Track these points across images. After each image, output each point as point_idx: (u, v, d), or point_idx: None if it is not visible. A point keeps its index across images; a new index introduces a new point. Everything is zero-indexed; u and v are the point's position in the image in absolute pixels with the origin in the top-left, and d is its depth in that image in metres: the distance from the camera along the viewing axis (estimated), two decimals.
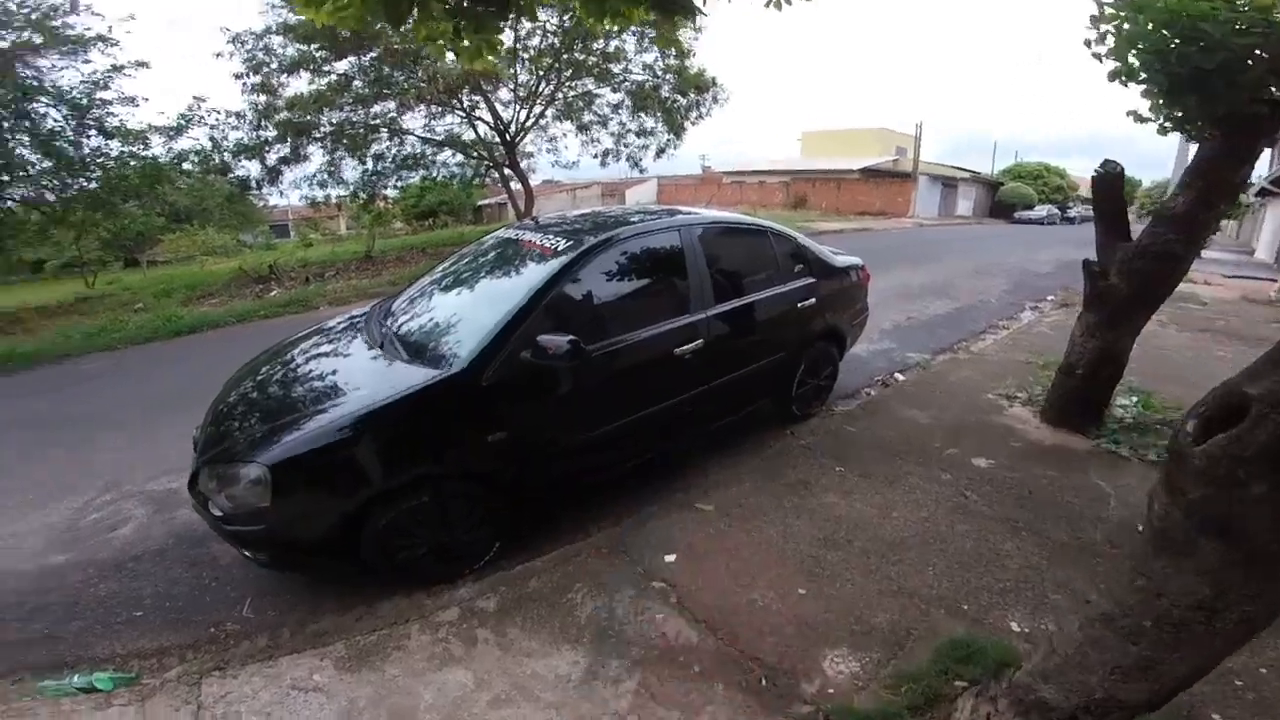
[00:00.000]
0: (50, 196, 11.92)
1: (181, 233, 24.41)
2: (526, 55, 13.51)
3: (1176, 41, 2.59)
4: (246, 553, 2.41)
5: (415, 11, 1.96)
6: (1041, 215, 34.76)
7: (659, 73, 15.10)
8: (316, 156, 14.28)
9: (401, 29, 2.10)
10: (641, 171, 19.28)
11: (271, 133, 13.25)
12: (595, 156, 16.96)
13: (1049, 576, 2.63)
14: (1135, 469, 3.54)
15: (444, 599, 2.50)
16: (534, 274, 2.84)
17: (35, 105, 11.10)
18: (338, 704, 1.96)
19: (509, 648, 2.21)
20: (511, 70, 13.57)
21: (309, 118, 13.06)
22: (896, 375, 5.24)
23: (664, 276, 3.21)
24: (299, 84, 13.04)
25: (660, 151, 16.99)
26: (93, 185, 11.93)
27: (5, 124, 10.89)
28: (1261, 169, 18.53)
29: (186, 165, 13.63)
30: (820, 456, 3.63)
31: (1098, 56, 2.88)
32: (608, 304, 2.98)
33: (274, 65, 12.57)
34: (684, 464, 3.60)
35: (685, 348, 3.10)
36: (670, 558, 2.70)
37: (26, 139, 11.14)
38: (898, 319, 7.40)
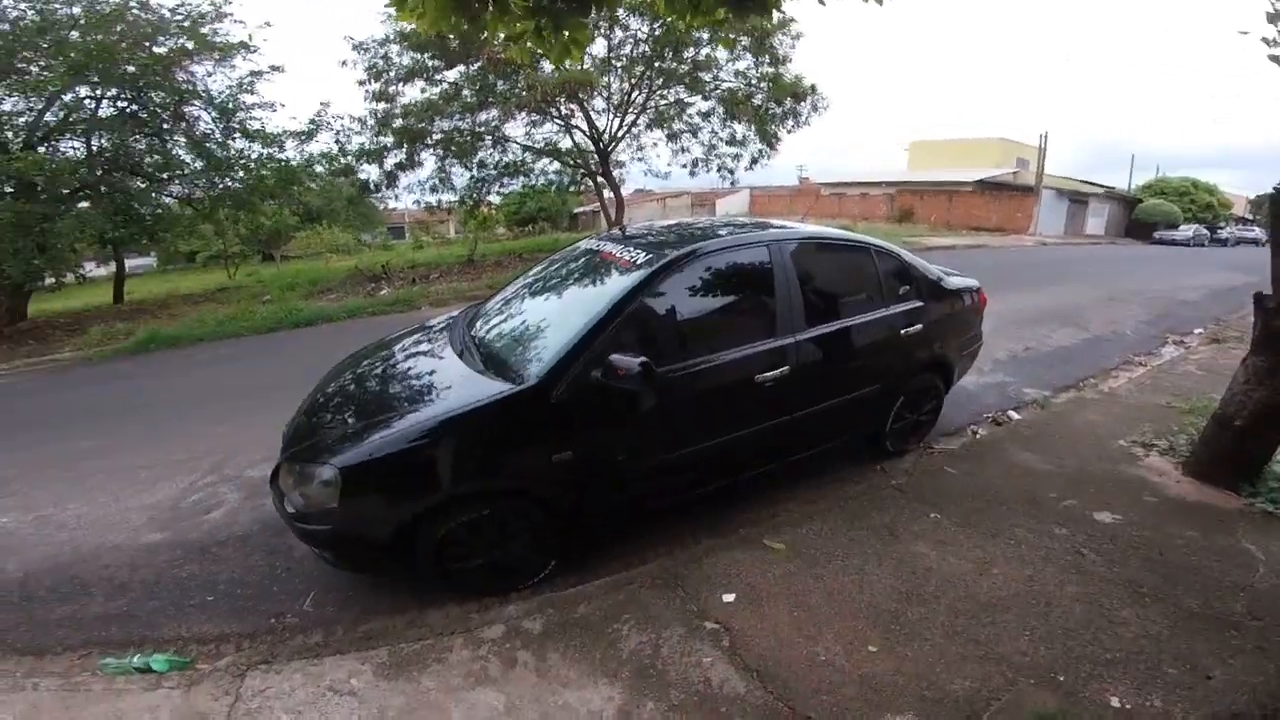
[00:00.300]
0: (199, 194, 13.44)
1: (311, 231, 27.03)
2: (619, 63, 13.65)
3: None
4: (315, 550, 2.46)
5: (491, 8, 1.90)
6: (1188, 235, 30.64)
7: (753, 80, 14.78)
8: (429, 162, 15.16)
9: (480, 29, 2.06)
10: (733, 182, 18.94)
11: (389, 139, 14.19)
12: (684, 166, 16.90)
13: (1168, 648, 2.20)
14: None
15: (491, 615, 2.43)
16: (610, 288, 2.72)
17: (190, 108, 12.52)
18: (368, 711, 1.92)
19: (546, 674, 2.09)
20: (605, 79, 13.74)
21: (422, 125, 13.89)
22: (1010, 413, 4.67)
23: (750, 295, 2.99)
24: (413, 92, 13.93)
25: (753, 161, 16.61)
26: (237, 185, 13.32)
27: (165, 125, 12.40)
28: None
29: (317, 168, 14.96)
30: (913, 500, 3.25)
31: (1276, 59, 2.49)
32: (687, 322, 2.81)
33: (391, 73, 13.40)
34: (755, 493, 3.35)
35: (768, 374, 2.85)
36: (729, 597, 2.48)
37: (182, 140, 12.62)
38: (1014, 348, 6.66)
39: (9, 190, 10.15)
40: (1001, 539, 2.89)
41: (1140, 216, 34.32)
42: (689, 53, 13.78)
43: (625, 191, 18.75)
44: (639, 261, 2.81)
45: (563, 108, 14.04)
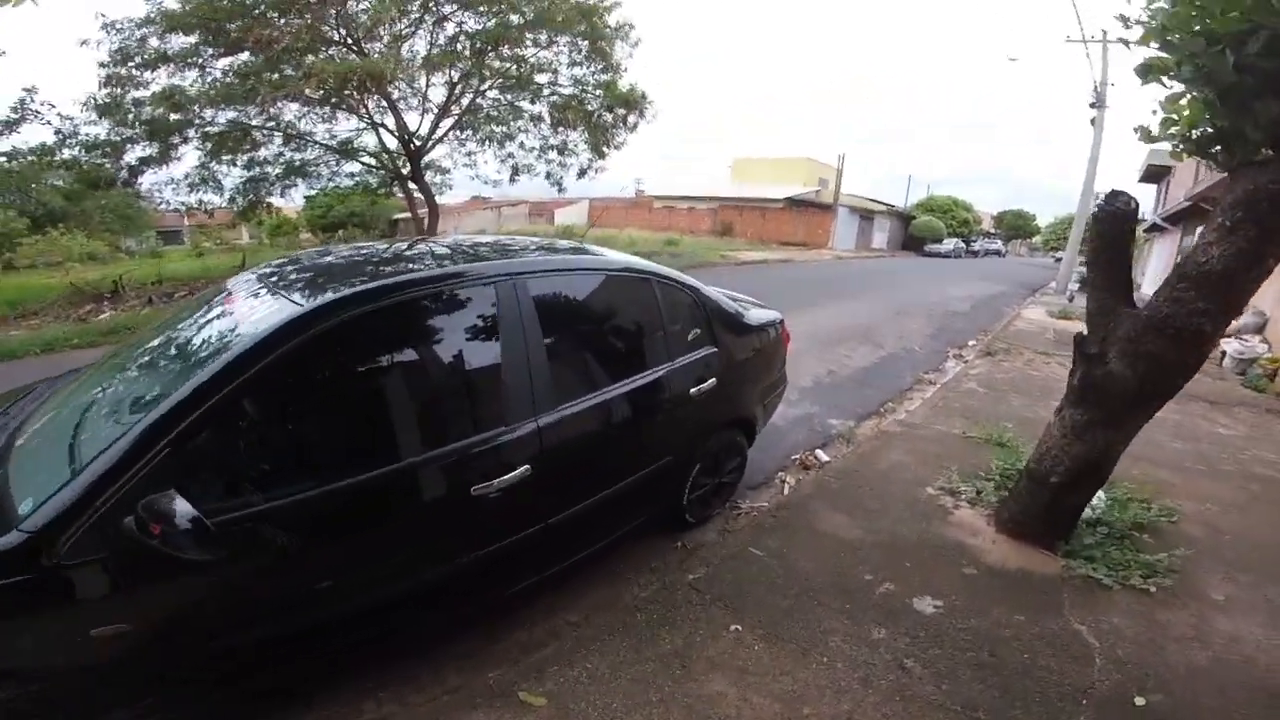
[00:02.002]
0: None
1: (45, 238, 21.38)
2: (418, 55, 12.25)
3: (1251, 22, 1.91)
4: None
5: None
6: (949, 249, 37.00)
7: (590, 88, 14.21)
8: (190, 158, 12.50)
9: None
10: (562, 191, 18.26)
11: (134, 129, 11.34)
12: (507, 173, 15.84)
13: None
14: (1119, 600, 2.74)
15: None
16: (195, 369, 1.65)
17: None
18: None
19: None
20: (416, 73, 12.19)
21: (179, 116, 11.29)
22: (818, 452, 4.36)
23: (460, 362, 2.10)
24: (171, 79, 11.29)
25: (582, 172, 16.07)
26: None
27: None
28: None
29: (12, 163, 11.51)
30: (712, 604, 2.60)
31: (1125, 42, 2.33)
32: (337, 417, 1.86)
33: (139, 59, 10.82)
34: (508, 614, 2.52)
35: (496, 482, 2.00)
36: None
37: None
38: (818, 372, 6.59)
39: None
40: (813, 656, 2.33)
41: (914, 232, 40.01)
42: (525, 51, 12.75)
43: (460, 198, 17.20)
44: (259, 318, 1.80)
45: (358, 102, 12.22)
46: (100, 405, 1.85)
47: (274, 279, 2.12)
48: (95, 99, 10.79)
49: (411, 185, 14.98)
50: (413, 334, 1.99)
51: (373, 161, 14.61)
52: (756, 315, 3.45)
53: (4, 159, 11.58)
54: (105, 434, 1.53)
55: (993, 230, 54.48)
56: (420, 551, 1.97)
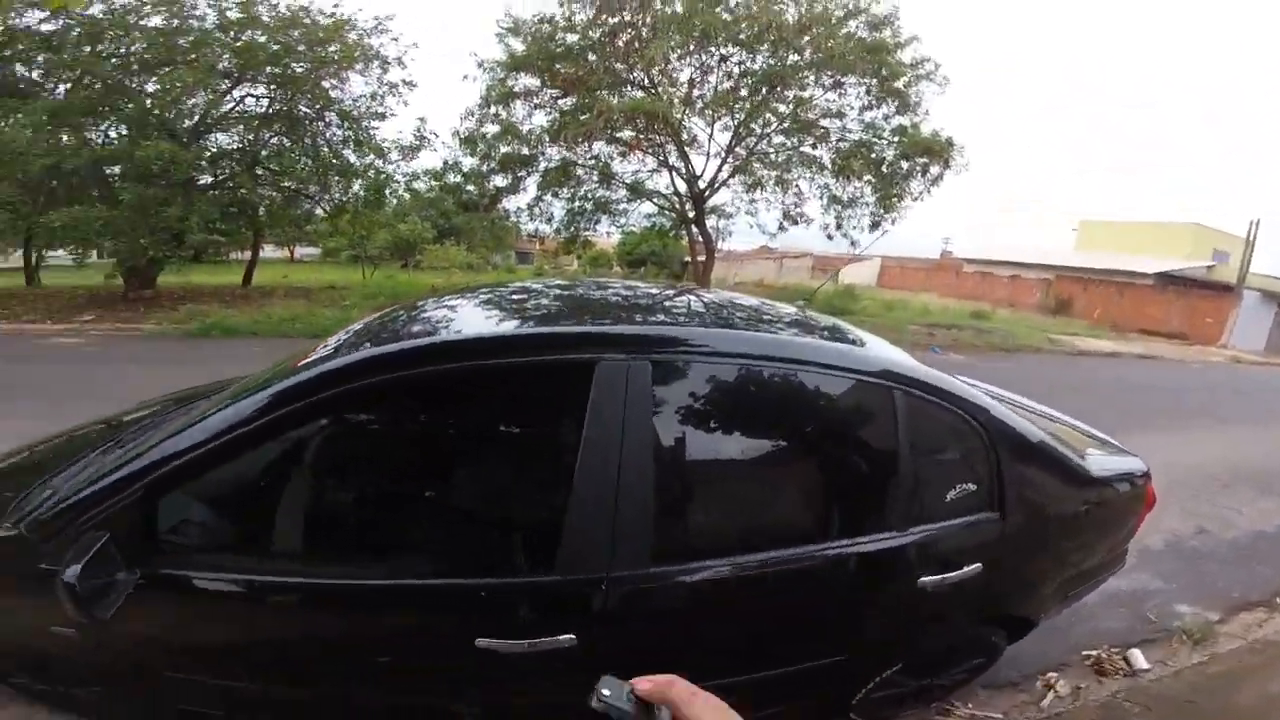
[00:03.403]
0: (321, 197, 14.43)
1: (440, 247, 28.99)
2: (705, 95, 12.73)
3: None
4: None
5: None
6: None
7: (884, 133, 13.19)
8: (532, 189, 15.23)
9: None
10: (853, 246, 17.29)
11: (493, 163, 14.35)
12: (780, 221, 15.54)
13: None
14: None
15: None
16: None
17: (329, 114, 13.41)
18: None
19: None
20: (682, 111, 12.80)
21: (527, 151, 13.91)
22: (1132, 654, 2.76)
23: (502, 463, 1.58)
24: (528, 117, 13.90)
25: (875, 225, 14.91)
26: (360, 194, 14.27)
27: (305, 128, 13.30)
28: None
29: (417, 184, 15.69)
30: None
31: None
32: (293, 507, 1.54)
33: (497, 93, 13.36)
34: None
35: (509, 644, 1.41)
36: None
37: (309, 144, 13.50)
38: (1180, 529, 4.40)
39: (132, 175, 11.29)
40: None
41: None
42: (806, 93, 12.64)
43: (746, 247, 17.76)
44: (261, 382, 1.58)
45: (650, 143, 13.43)
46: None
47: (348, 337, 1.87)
48: (459, 133, 13.84)
49: (695, 229, 15.81)
50: (439, 408, 1.58)
51: (663, 203, 15.85)
52: (1101, 463, 2.20)
53: (414, 181, 15.66)
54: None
55: None
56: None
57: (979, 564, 1.78)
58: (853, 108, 13.34)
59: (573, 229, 16.11)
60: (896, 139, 12.91)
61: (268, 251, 22.20)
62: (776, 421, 1.70)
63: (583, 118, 11.60)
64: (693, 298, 2.19)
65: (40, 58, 11.41)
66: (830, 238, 15.27)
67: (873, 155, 13.00)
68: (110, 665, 1.58)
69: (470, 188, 15.34)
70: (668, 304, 2.03)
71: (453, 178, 15.45)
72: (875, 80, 12.27)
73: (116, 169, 11.65)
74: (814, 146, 13.65)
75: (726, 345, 1.64)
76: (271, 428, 1.43)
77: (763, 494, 1.71)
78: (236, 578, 1.44)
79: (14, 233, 12.56)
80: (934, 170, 13.17)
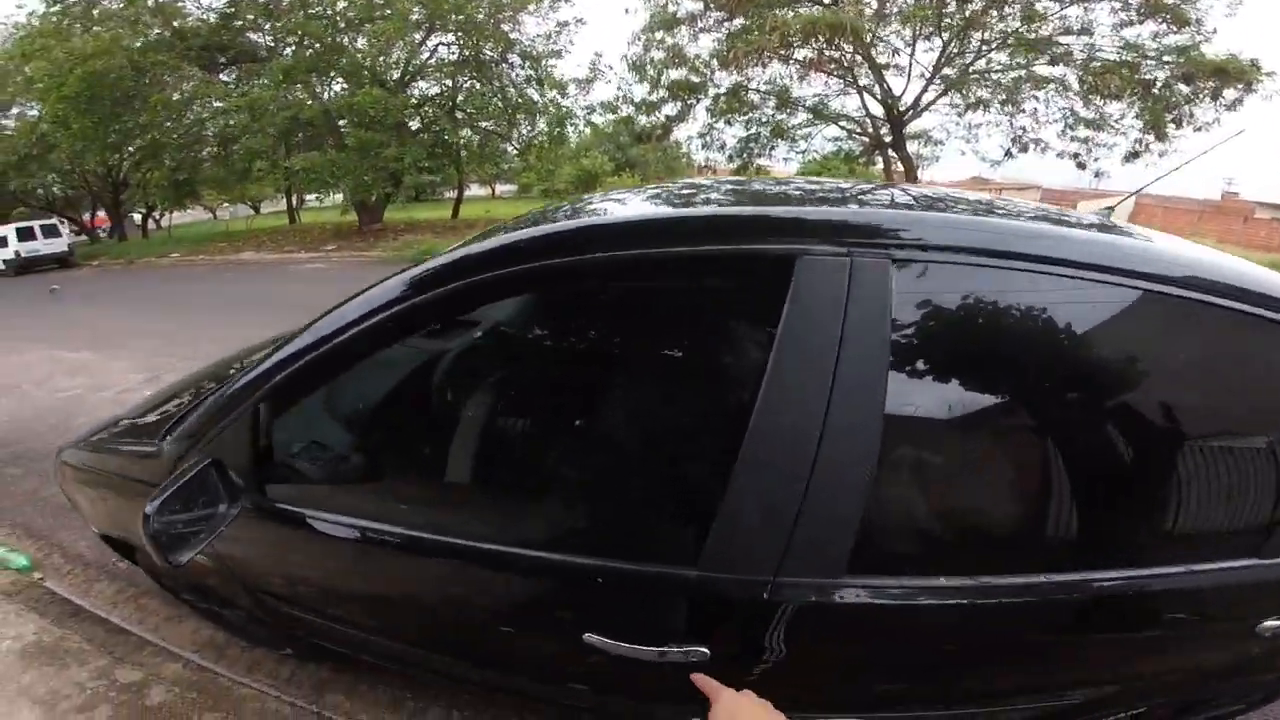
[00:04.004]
0: (510, 134, 15.41)
1: (618, 178, 29.71)
2: (903, 7, 10.75)
3: None
4: None
5: None
6: None
7: (1150, 51, 10.38)
8: (701, 117, 14.68)
9: None
10: (1098, 178, 14.24)
11: (663, 92, 13.99)
12: (1017, 147, 13.01)
13: None
14: None
15: None
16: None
17: (511, 57, 14.17)
18: None
19: None
20: (864, 25, 10.95)
21: (698, 79, 13.34)
22: None
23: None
24: (693, 41, 13.30)
25: (1133, 155, 11.94)
26: (543, 129, 14.99)
27: (493, 70, 14.20)
28: None
29: (595, 117, 15.92)
30: None
31: None
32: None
33: (661, 18, 12.89)
34: None
35: (631, 648, 1.01)
36: None
37: (497, 85, 14.39)
38: None
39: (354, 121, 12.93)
40: None
41: None
42: (1042, 5, 10.28)
43: (956, 176, 15.61)
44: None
45: (837, 64, 11.85)
46: None
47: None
48: (626, 59, 13.54)
49: (892, 154, 14.04)
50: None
51: (853, 127, 14.20)
52: None
53: (591, 114, 15.95)
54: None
55: None
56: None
57: None
58: (1101, 24, 10.57)
59: (745, 156, 15.25)
60: (1173, 60, 10.00)
61: (473, 190, 24.59)
62: (1073, 375, 0.98)
63: (752, 36, 10.49)
64: (913, 191, 1.39)
65: (266, 25, 13.39)
66: (1083, 166, 12.56)
67: (1136, 77, 10.21)
68: (232, 591, 1.56)
69: (641, 118, 15.11)
70: (885, 195, 1.32)
71: (625, 110, 15.38)
72: None
73: (342, 122, 13.46)
74: (1052, 64, 11.03)
75: (1007, 242, 0.93)
76: (380, 331, 1.14)
77: (1038, 483, 1.02)
78: (342, 520, 1.21)
79: (272, 179, 15.34)
80: (1230, 94, 10.16)
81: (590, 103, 15.21)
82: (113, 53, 12.43)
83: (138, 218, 24.73)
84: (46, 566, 2.38)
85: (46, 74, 12.88)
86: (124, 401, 3.34)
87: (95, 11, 13.66)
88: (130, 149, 15.81)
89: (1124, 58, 10.60)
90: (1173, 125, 10.91)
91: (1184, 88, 10.46)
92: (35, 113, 16.53)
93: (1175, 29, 10.13)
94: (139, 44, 13.25)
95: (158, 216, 25.57)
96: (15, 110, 18.71)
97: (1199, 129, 10.82)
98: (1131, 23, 10.53)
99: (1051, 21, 10.64)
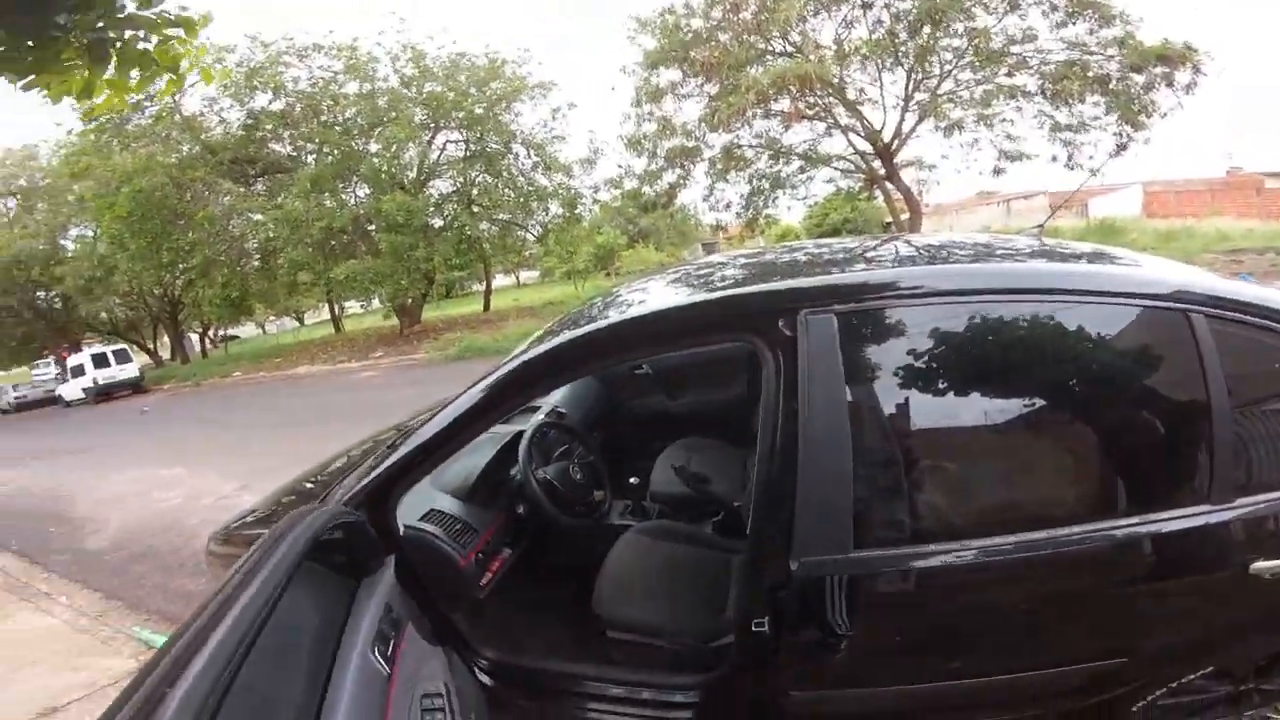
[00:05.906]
0: (526, 223, 16.54)
1: (632, 251, 30.83)
2: (859, 48, 11.63)
3: None
4: None
5: None
6: None
7: (1090, 47, 11.07)
8: (701, 179, 15.41)
9: None
10: (1094, 175, 14.54)
11: (660, 161, 14.86)
12: (1005, 159, 13.50)
13: None
14: None
15: None
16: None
17: (515, 146, 15.45)
18: None
19: None
20: (838, 68, 11.78)
21: (691, 144, 14.21)
22: None
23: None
24: (679, 110, 14.15)
25: (1120, 149, 12.34)
26: (556, 213, 16.07)
27: (501, 161, 15.46)
28: None
29: (601, 193, 16.97)
30: None
31: None
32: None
33: (647, 92, 13.76)
34: None
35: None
36: None
37: (506, 175, 15.59)
38: None
39: (382, 227, 14.06)
40: None
41: None
42: (977, 23, 11.10)
43: (965, 195, 16.04)
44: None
45: (813, 108, 12.66)
46: None
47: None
48: (623, 137, 14.48)
49: (889, 185, 14.57)
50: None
51: (844, 166, 14.85)
52: None
53: (598, 191, 17.00)
54: None
55: None
56: None
57: None
58: (1038, 30, 11.37)
59: (750, 210, 15.93)
60: (1115, 52, 10.67)
61: (499, 280, 25.62)
62: (1034, 370, 1.36)
63: (731, 99, 11.38)
64: (900, 243, 1.86)
65: (286, 134, 14.57)
66: (1070, 168, 12.97)
67: (1089, 74, 10.83)
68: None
69: (645, 188, 16.03)
70: (870, 253, 1.72)
71: (629, 183, 16.31)
72: None
73: (371, 226, 14.58)
74: (1010, 74, 11.73)
75: (945, 282, 1.34)
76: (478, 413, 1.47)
77: (1023, 460, 1.38)
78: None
79: (318, 290, 16.43)
80: (1180, 79, 10.75)
81: (595, 181, 16.25)
82: (153, 170, 13.25)
83: (194, 337, 26.11)
84: None
85: (96, 194, 13.76)
86: (229, 507, 3.82)
87: (129, 127, 14.44)
88: (182, 266, 15.91)
89: (1071, 56, 11.30)
90: (1143, 115, 11.40)
91: (1137, 78, 11.05)
92: (90, 233, 17.49)
93: (1103, 24, 10.82)
94: (174, 159, 14.11)
95: (213, 335, 26.79)
96: (74, 232, 19.80)
97: (1165, 115, 11.33)
98: (1064, 24, 11.24)
99: (995, 35, 11.31)
